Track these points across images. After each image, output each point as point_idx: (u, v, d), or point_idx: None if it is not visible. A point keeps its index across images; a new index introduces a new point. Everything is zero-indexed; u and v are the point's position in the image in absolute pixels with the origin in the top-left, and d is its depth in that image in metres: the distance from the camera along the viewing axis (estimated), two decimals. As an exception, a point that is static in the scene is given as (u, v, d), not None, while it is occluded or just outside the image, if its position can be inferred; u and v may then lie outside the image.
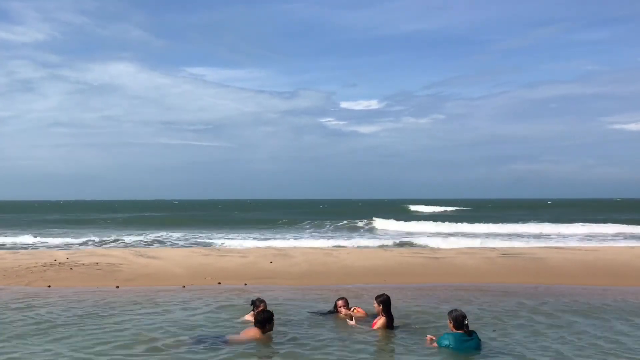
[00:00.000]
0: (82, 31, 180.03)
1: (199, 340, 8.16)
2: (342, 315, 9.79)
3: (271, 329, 8.40)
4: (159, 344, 8.09)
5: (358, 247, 25.80)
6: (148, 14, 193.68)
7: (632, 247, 23.60)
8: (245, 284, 14.23)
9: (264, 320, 8.33)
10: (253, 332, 8.27)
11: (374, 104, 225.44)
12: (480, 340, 7.86)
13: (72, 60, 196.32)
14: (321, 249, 23.98)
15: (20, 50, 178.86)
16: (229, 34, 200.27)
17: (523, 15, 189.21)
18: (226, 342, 8.06)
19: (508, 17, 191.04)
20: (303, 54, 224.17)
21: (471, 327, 7.88)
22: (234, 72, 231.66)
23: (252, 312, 9.40)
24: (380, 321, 8.96)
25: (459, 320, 7.72)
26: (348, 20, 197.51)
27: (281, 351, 7.78)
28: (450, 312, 7.95)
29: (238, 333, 8.47)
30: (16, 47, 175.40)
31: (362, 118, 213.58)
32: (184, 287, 13.84)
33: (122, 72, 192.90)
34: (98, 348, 7.91)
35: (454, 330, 7.75)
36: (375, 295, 9.24)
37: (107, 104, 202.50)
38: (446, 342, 7.66)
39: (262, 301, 9.52)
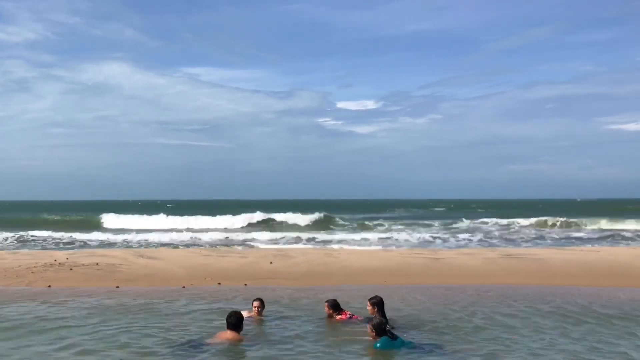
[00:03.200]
0: (75, 31, 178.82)
1: (177, 344, 8.05)
2: (333, 319, 9.56)
3: (241, 330, 8.32)
4: (139, 347, 8.02)
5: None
6: (142, 14, 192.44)
7: (634, 248, 23.59)
8: (246, 285, 14.22)
9: (237, 322, 8.25)
10: (230, 334, 8.21)
11: (370, 104, 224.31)
12: (404, 341, 7.93)
13: (66, 60, 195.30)
14: (321, 249, 23.98)
15: (14, 50, 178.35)
16: (224, 34, 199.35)
17: (519, 15, 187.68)
18: (203, 345, 7.99)
19: (504, 17, 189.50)
20: (298, 54, 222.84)
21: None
22: (230, 72, 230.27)
23: (247, 311, 9.58)
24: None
25: (381, 328, 7.88)
26: (344, 21, 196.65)
27: (258, 353, 7.75)
28: (371, 320, 8.11)
29: (213, 336, 8.37)
30: (9, 47, 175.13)
31: (359, 118, 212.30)
32: (184, 287, 13.83)
33: (116, 72, 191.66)
34: (91, 347, 7.96)
35: (377, 338, 7.87)
36: (369, 297, 9.28)
37: (103, 104, 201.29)
38: (377, 345, 7.82)
39: (258, 299, 9.92)
